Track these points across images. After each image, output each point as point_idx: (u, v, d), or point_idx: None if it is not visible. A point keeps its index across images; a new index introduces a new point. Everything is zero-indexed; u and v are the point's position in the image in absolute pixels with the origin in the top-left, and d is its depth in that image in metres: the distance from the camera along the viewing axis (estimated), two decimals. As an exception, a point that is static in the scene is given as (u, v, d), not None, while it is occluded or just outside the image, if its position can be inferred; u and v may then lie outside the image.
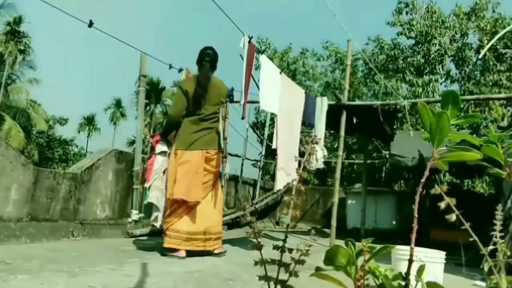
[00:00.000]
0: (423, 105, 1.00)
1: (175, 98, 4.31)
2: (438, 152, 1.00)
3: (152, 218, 4.03)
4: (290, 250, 0.86)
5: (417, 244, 1.05)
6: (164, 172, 4.05)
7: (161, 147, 4.08)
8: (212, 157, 3.97)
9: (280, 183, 4.99)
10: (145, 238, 5.08)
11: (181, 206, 3.86)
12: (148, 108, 32.54)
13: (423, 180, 0.98)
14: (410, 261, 0.94)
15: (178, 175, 3.81)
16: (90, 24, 4.34)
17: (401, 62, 14.02)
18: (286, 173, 4.93)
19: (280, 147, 4.72)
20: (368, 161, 9.97)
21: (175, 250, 3.75)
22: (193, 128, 3.90)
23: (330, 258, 1.01)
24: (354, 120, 6.71)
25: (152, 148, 4.23)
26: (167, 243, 3.78)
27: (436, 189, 0.94)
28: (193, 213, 3.85)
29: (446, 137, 0.99)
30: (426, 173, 0.98)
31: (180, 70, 5.66)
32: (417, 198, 0.95)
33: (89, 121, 44.41)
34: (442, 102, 1.03)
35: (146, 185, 4.03)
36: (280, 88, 4.90)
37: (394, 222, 8.78)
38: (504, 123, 10.26)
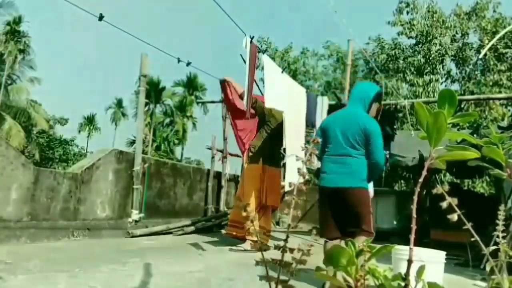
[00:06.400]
0: (420, 104, 0.99)
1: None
2: (436, 151, 0.99)
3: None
4: (291, 250, 0.86)
5: (417, 244, 1.04)
6: None
7: None
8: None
9: (289, 181, 5.08)
10: (145, 238, 5.09)
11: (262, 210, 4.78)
12: (148, 107, 32.51)
13: (421, 180, 0.98)
14: (410, 261, 0.94)
15: (276, 187, 4.84)
16: (101, 18, 4.34)
17: (401, 61, 14.00)
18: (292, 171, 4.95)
19: (288, 146, 4.69)
20: (369, 161, 9.91)
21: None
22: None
23: (330, 258, 1.01)
24: (355, 120, 6.70)
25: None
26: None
27: (438, 189, 0.94)
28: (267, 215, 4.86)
29: (443, 136, 0.99)
30: (424, 172, 0.98)
31: (188, 64, 5.66)
32: (415, 198, 0.95)
33: (89, 121, 44.42)
34: (439, 101, 1.03)
35: None
36: (283, 86, 4.89)
37: (394, 222, 8.76)
38: (504, 123, 10.25)
